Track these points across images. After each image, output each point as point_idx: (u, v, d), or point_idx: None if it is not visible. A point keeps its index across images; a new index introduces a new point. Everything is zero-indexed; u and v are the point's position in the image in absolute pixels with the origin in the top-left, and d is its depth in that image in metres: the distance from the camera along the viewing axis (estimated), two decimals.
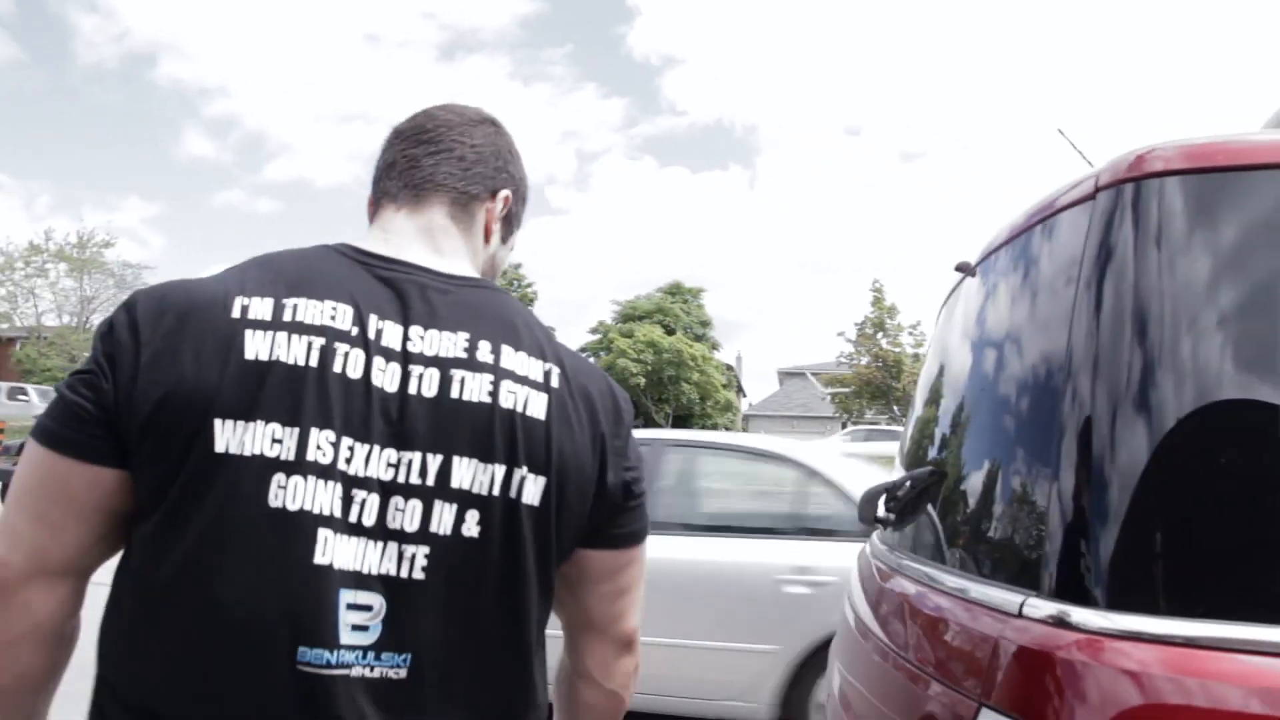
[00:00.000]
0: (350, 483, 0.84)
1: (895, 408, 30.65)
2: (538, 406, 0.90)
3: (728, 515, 4.73)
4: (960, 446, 1.22)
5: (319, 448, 0.83)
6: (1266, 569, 0.75)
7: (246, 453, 0.81)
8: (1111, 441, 0.81)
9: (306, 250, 0.94)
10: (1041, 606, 0.81)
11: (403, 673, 0.85)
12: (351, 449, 0.84)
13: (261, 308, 0.84)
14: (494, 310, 0.95)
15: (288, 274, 0.89)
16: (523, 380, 0.90)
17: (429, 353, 0.88)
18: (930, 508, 1.28)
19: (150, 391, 0.81)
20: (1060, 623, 0.78)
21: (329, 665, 0.82)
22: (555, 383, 0.93)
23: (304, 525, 0.82)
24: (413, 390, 0.86)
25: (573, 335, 51.88)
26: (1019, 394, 1.03)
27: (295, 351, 0.83)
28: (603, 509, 0.95)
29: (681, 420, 35.40)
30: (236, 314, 0.84)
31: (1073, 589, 0.79)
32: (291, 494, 0.81)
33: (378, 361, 0.86)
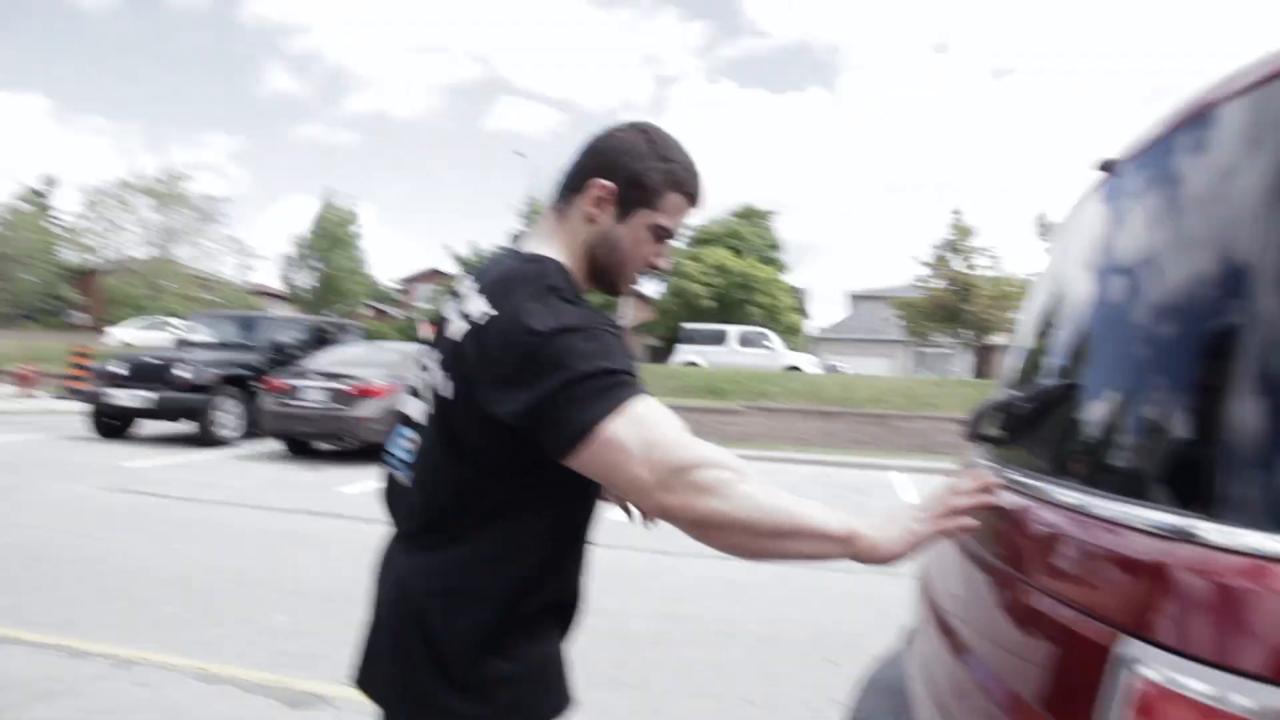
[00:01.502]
0: (429, 380, 1.42)
1: (964, 331, 29.98)
2: (463, 335, 1.31)
3: None
4: (1103, 364, 1.11)
5: (427, 368, 1.43)
6: None
7: None
8: None
9: None
10: (1210, 530, 0.74)
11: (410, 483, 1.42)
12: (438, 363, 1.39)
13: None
14: (504, 274, 1.34)
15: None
16: (467, 318, 1.32)
17: (464, 309, 1.35)
18: (1063, 425, 1.18)
19: None
20: (1229, 548, 0.72)
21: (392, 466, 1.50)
22: (481, 322, 1.28)
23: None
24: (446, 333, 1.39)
25: None
26: (1184, 308, 0.92)
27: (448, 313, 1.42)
28: (517, 424, 1.22)
29: None
30: None
31: (1248, 513, 0.72)
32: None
33: (456, 318, 1.36)
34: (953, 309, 29.68)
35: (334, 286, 37.84)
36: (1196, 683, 0.67)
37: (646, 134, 1.41)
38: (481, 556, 1.33)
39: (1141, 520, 0.82)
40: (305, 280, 39.21)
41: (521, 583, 1.34)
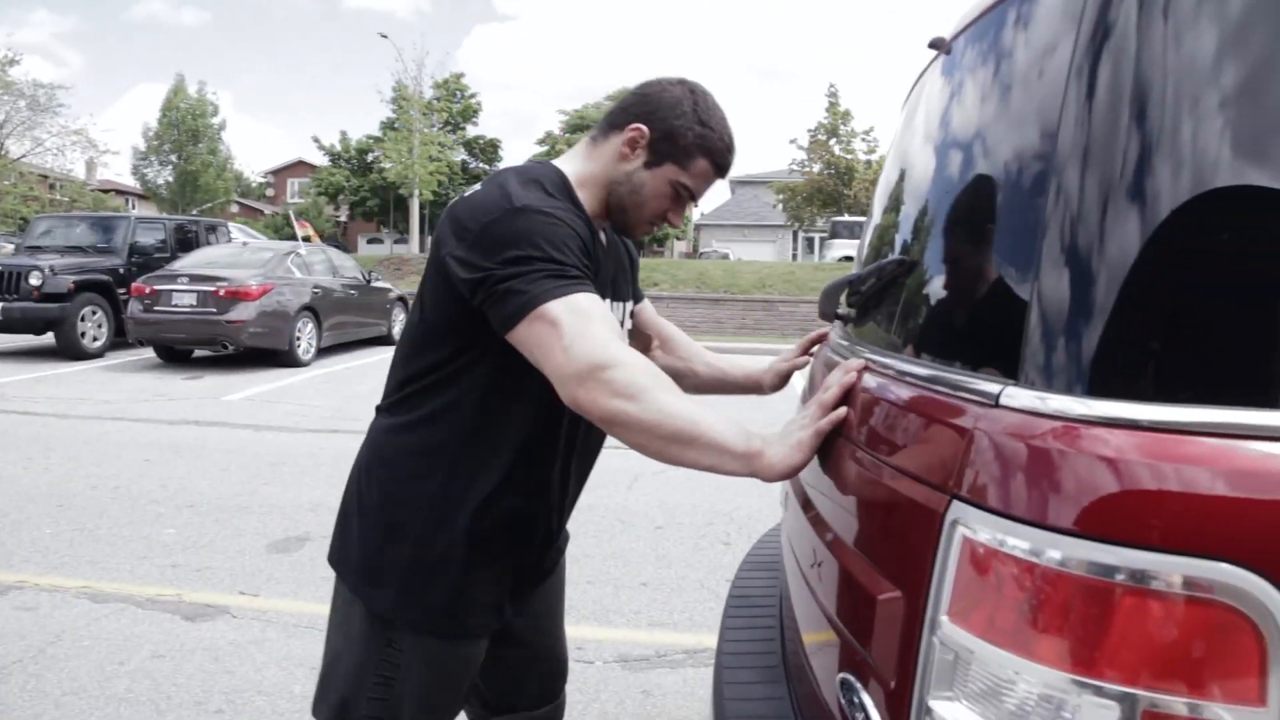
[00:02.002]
0: None
1: (846, 214, 30.63)
2: (451, 204, 1.39)
3: None
4: (932, 239, 1.17)
5: None
6: (1248, 355, 0.74)
7: None
8: (1101, 232, 0.78)
9: None
10: (1020, 395, 0.79)
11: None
12: None
13: None
14: (506, 168, 1.45)
15: None
16: (462, 194, 1.40)
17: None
18: (898, 300, 1.24)
19: None
20: (1039, 411, 0.77)
21: None
22: (467, 194, 1.38)
23: None
24: None
25: (520, 148, 50.81)
26: (1001, 183, 0.97)
27: None
28: (470, 291, 1.29)
29: None
30: None
31: (1052, 377, 0.78)
32: None
33: None
34: (832, 193, 30.22)
35: (195, 183, 35.63)
36: (1016, 540, 0.73)
37: (694, 96, 1.46)
38: (410, 429, 1.44)
39: (959, 386, 0.89)
40: (162, 177, 36.75)
41: (441, 474, 1.41)
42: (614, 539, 4.50)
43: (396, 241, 38.19)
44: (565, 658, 1.82)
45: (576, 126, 36.60)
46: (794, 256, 38.81)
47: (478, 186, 1.39)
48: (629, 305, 1.68)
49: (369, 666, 1.44)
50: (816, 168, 30.77)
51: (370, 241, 44.16)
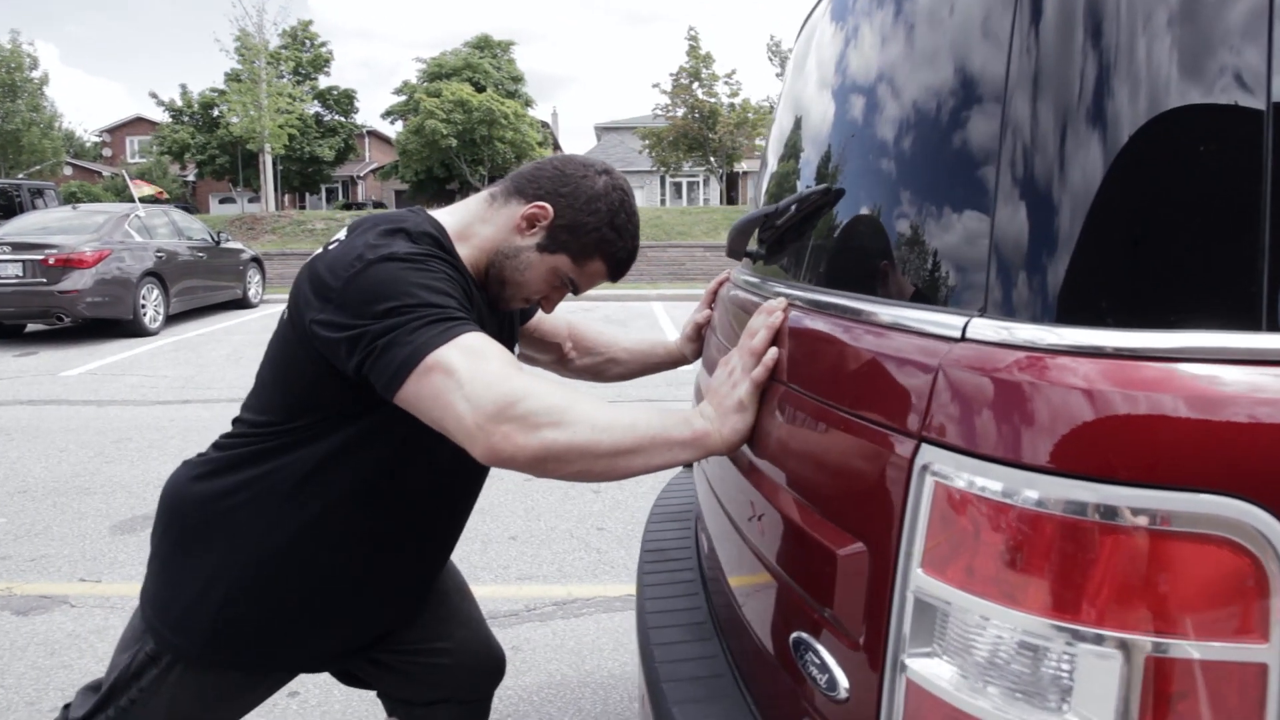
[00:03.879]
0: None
1: (712, 159, 30.85)
2: (311, 258, 1.27)
3: None
4: (869, 174, 1.09)
5: None
6: (1218, 276, 0.71)
7: None
8: (1060, 158, 0.73)
9: None
10: (986, 327, 0.75)
11: None
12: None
13: None
14: (375, 216, 1.31)
15: None
16: (324, 246, 1.29)
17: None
18: (831, 235, 1.15)
19: None
20: (1007, 343, 0.73)
21: None
22: (329, 248, 1.26)
23: None
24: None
25: (378, 99, 48.79)
26: (945, 113, 0.91)
27: None
28: (347, 364, 1.16)
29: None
30: None
31: (1019, 308, 0.75)
32: None
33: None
34: (697, 137, 30.33)
35: (17, 143, 32.83)
36: (992, 482, 0.69)
37: (613, 195, 1.39)
38: (227, 473, 1.34)
39: (920, 322, 0.83)
40: None
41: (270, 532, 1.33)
42: (483, 494, 4.41)
43: (251, 200, 36.29)
44: (490, 655, 1.75)
45: (434, 75, 35.35)
46: (662, 201, 38.90)
47: (340, 237, 1.28)
48: (516, 349, 1.61)
49: (123, 672, 1.38)
50: (680, 112, 30.78)
51: (223, 201, 41.79)
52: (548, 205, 1.36)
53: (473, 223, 1.38)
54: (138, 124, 46.95)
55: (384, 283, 1.15)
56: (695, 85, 30.81)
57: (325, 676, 2.68)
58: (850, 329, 0.96)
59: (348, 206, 36.70)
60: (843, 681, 0.84)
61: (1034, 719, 0.68)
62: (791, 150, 1.45)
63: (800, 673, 0.92)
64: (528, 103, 37.06)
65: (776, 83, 36.86)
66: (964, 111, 0.88)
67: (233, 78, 28.90)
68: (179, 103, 34.67)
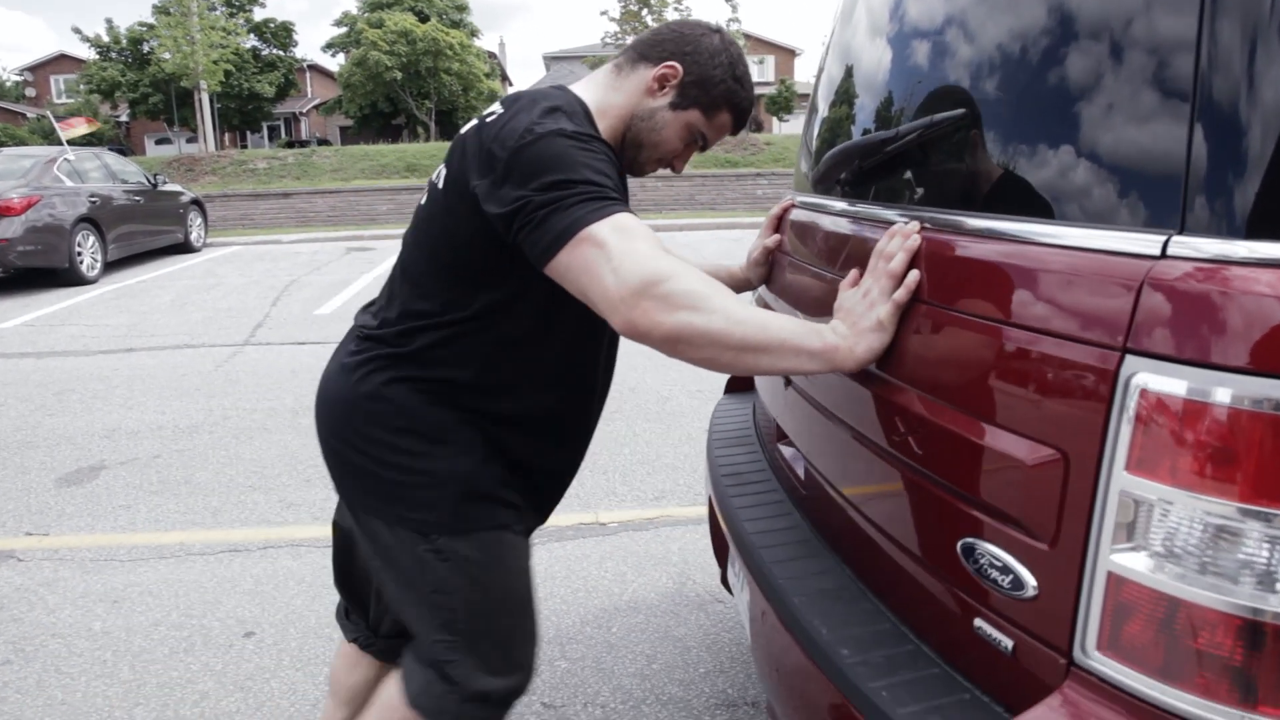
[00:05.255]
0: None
1: None
2: (468, 128, 1.36)
3: None
4: (1027, 93, 1.06)
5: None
6: None
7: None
8: (1253, 79, 0.77)
9: None
10: (1187, 243, 0.80)
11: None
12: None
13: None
14: (525, 92, 1.35)
15: None
16: (479, 116, 1.37)
17: (481, 113, 1.39)
18: (972, 158, 1.15)
19: None
20: (1208, 257, 0.77)
21: None
22: (487, 118, 1.33)
23: None
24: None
25: (319, 31, 47.15)
26: (1131, 30, 0.91)
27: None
28: (503, 224, 1.23)
29: (446, 115, 33.75)
30: None
31: (1218, 224, 0.79)
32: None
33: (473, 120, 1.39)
34: None
35: None
36: (1198, 385, 0.75)
37: (729, 51, 1.45)
38: (420, 362, 1.38)
39: (1116, 242, 0.87)
40: None
41: (460, 393, 1.38)
42: None
43: (189, 141, 35.09)
44: None
45: (376, 4, 34.22)
46: None
47: (497, 109, 1.33)
48: None
49: (424, 585, 1.40)
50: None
51: (159, 143, 40.37)
52: (677, 64, 1.42)
53: (606, 94, 1.43)
54: (62, 62, 44.94)
55: (551, 157, 1.21)
56: (644, 12, 30.16)
57: (282, 615, 2.73)
58: (1030, 252, 0.98)
59: (290, 144, 35.56)
60: (1030, 580, 0.90)
61: (1234, 599, 0.74)
62: (878, 83, 1.46)
63: (972, 576, 0.98)
64: (473, 33, 36.11)
65: (726, 8, 36.23)
66: (1157, 30, 0.88)
67: (161, 10, 27.68)
68: (105, 38, 33.19)
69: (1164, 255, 0.81)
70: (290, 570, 3.00)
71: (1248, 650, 0.74)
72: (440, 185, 1.37)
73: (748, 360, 1.15)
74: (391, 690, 1.47)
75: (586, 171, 1.21)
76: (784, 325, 1.16)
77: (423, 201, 1.43)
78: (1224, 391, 0.73)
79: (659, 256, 1.15)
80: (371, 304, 1.52)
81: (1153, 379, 0.78)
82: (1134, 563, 0.80)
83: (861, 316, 1.16)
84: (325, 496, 3.61)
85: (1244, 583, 0.74)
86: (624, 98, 1.43)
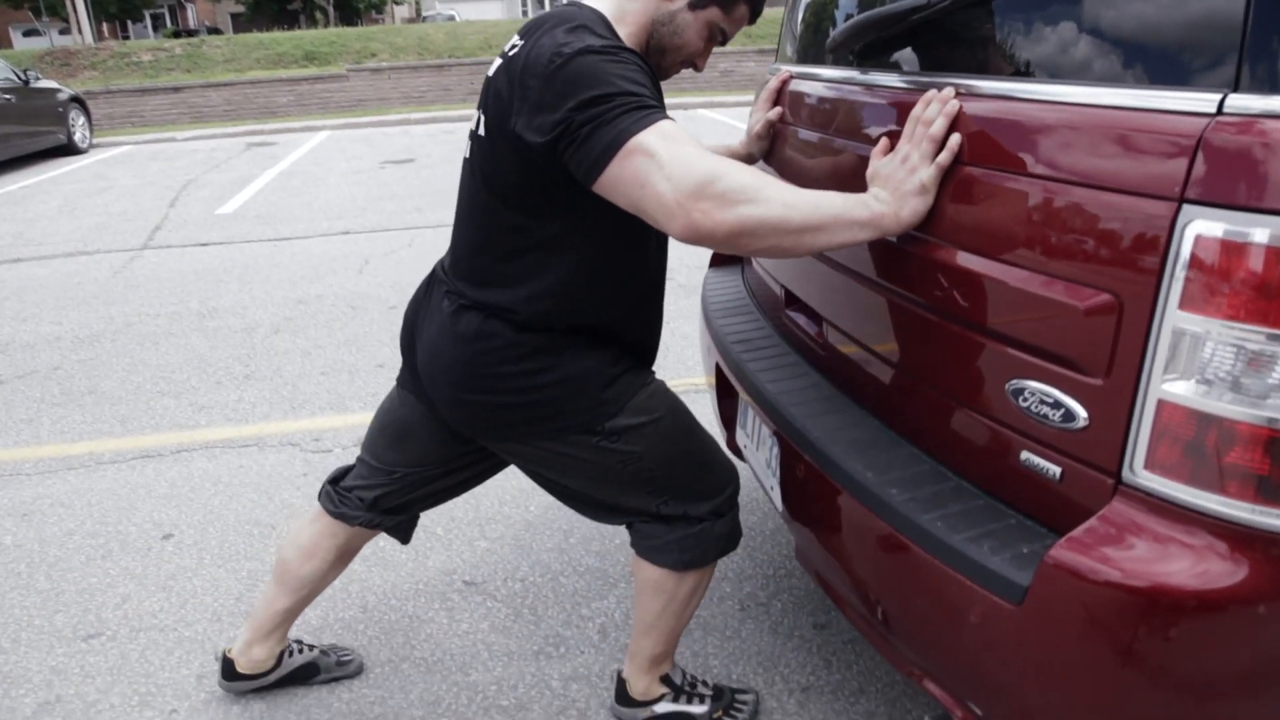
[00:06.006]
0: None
1: None
2: (495, 70, 1.36)
3: None
4: None
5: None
6: None
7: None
8: None
9: None
10: (1242, 100, 0.86)
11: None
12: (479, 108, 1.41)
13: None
14: (542, 16, 1.36)
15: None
16: (503, 56, 1.36)
17: (503, 51, 1.38)
18: (1005, 25, 1.18)
19: None
20: (1265, 112, 0.84)
21: None
22: (510, 54, 1.32)
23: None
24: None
25: None
26: None
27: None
28: (546, 149, 1.23)
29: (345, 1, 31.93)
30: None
31: (1266, 82, 0.85)
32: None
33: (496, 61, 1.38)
34: None
35: None
36: (1255, 229, 0.83)
37: None
38: (515, 290, 1.41)
39: (1172, 100, 0.93)
40: None
41: (552, 315, 1.42)
42: (346, 325, 4.35)
43: (62, 32, 32.60)
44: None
45: None
46: (524, 13, 36.91)
47: (516, 41, 1.34)
48: None
49: (616, 468, 1.50)
50: None
51: (27, 34, 37.42)
52: None
53: (626, 4, 1.41)
54: None
55: (584, 75, 1.21)
56: None
57: (200, 516, 2.72)
58: (1085, 114, 1.02)
59: (177, 34, 33.36)
60: (1081, 413, 1.01)
61: (1266, 412, 0.86)
62: None
63: (1022, 413, 1.08)
64: None
65: None
66: None
67: None
68: None
69: (1220, 112, 0.87)
70: (206, 472, 2.97)
71: (1275, 458, 0.86)
72: (481, 132, 1.38)
73: (807, 240, 1.19)
74: (652, 575, 1.60)
75: (622, 83, 1.21)
76: (833, 201, 1.20)
77: (467, 154, 1.45)
78: (1269, 231, 0.82)
79: (706, 156, 1.17)
80: (444, 258, 1.56)
81: (1207, 225, 0.86)
82: (1182, 389, 0.90)
83: (903, 181, 1.20)
84: (238, 398, 3.56)
85: (1273, 399, 0.86)
86: (641, 5, 1.41)
